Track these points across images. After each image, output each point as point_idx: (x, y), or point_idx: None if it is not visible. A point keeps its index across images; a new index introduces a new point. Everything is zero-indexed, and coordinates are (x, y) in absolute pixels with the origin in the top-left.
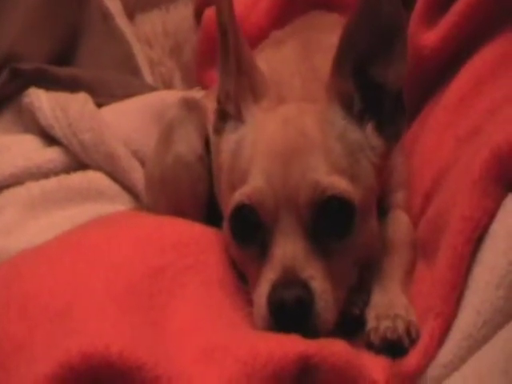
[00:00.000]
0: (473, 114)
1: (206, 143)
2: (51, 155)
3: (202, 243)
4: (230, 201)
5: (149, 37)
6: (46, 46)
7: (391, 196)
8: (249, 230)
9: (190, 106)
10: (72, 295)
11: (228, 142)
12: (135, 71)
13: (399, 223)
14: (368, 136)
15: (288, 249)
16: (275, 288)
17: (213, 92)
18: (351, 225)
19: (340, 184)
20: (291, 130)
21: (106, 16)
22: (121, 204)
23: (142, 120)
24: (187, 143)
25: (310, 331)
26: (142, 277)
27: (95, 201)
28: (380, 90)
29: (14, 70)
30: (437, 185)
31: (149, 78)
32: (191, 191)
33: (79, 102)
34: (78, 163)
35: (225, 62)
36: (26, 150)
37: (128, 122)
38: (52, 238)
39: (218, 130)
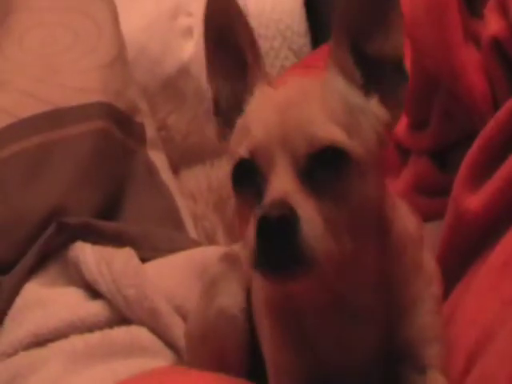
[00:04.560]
0: None
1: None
2: (95, 309)
3: None
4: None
5: (193, 192)
6: (93, 200)
7: (423, 351)
8: (248, 183)
9: (232, 260)
10: None
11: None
12: (179, 225)
13: None
14: (372, 107)
15: (279, 185)
16: (262, 214)
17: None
18: (344, 172)
19: (336, 134)
20: (291, 88)
21: (152, 170)
22: (163, 360)
23: (185, 275)
24: (231, 296)
25: (296, 258)
26: None
27: (138, 356)
28: (380, 64)
29: (60, 224)
30: (481, 346)
31: (192, 232)
32: (235, 344)
33: (124, 258)
34: (121, 317)
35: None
36: (70, 303)
37: (171, 277)
38: None
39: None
